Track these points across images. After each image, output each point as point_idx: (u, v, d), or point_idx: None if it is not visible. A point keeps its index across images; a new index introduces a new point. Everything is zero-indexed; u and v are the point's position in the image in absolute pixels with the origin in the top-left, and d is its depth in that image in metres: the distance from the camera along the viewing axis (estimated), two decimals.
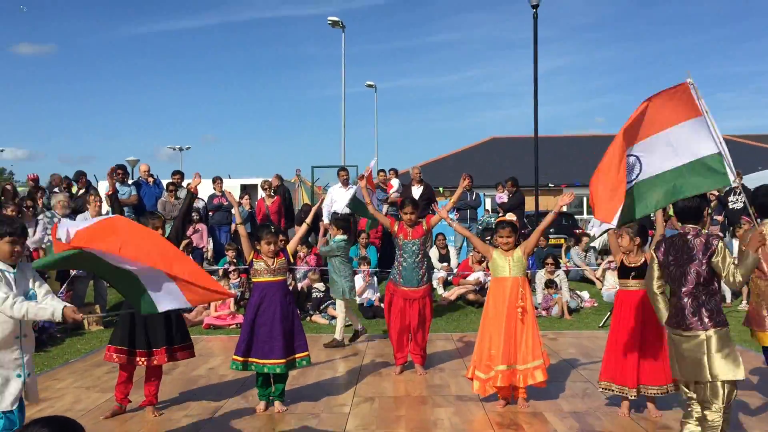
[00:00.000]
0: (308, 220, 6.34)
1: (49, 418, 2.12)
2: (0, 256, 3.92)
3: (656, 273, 4.33)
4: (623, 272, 5.66)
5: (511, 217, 6.18)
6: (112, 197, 6.04)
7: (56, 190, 12.96)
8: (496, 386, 5.71)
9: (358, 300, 11.04)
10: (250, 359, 5.68)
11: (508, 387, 5.75)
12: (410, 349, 7.13)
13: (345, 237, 8.74)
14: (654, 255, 4.36)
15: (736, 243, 11.34)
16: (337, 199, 12.77)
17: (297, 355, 5.79)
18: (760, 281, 5.44)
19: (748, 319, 5.56)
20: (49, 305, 3.85)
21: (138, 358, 5.58)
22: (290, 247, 6.05)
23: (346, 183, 12.98)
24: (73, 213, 10.86)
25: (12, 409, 3.81)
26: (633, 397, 5.48)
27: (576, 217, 23.54)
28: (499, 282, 5.88)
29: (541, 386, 5.81)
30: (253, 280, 5.89)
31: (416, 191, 12.81)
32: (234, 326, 10.08)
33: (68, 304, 3.91)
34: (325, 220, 12.75)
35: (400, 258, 7.02)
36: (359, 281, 11.14)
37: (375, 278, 11.44)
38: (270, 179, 14.45)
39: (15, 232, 3.96)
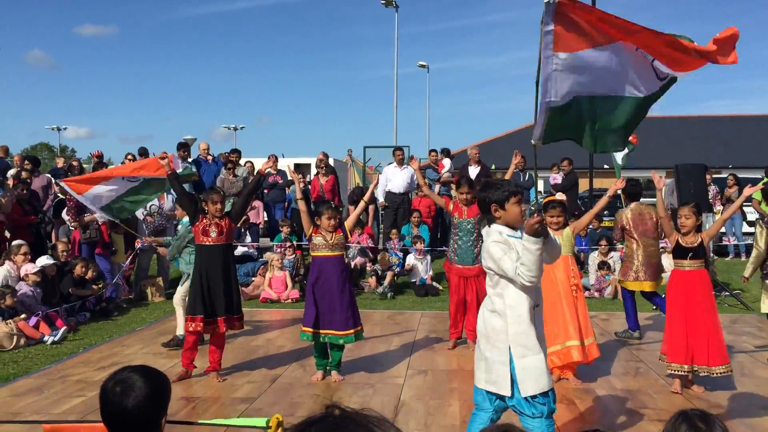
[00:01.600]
0: (366, 197, 6.50)
1: (144, 367, 2.30)
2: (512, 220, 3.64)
3: None
4: (680, 253, 5.65)
5: (561, 196, 6.15)
6: (171, 176, 6.29)
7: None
8: (554, 364, 5.78)
9: (410, 278, 11.21)
10: (321, 331, 5.89)
11: (564, 364, 5.83)
12: (465, 325, 7.26)
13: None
14: None
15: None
16: (392, 179, 12.93)
17: (350, 331, 5.97)
18: (631, 243, 7.42)
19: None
20: None
21: (219, 325, 5.94)
22: (348, 224, 6.22)
23: (401, 162, 13.11)
24: None
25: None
26: (684, 373, 5.51)
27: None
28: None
29: (592, 364, 5.88)
30: (312, 254, 6.09)
31: (473, 171, 12.84)
32: (290, 300, 10.36)
33: None
34: (380, 198, 12.94)
35: (455, 236, 7.14)
36: (411, 260, 11.31)
37: (428, 256, 11.57)
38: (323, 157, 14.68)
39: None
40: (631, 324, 7.70)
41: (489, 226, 3.68)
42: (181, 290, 7.21)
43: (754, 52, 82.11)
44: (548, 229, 4.23)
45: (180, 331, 7.01)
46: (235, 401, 5.45)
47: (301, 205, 6.26)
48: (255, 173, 6.61)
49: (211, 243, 5.95)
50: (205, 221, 5.97)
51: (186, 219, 6.73)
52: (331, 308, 5.88)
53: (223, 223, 5.99)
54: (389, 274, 11.03)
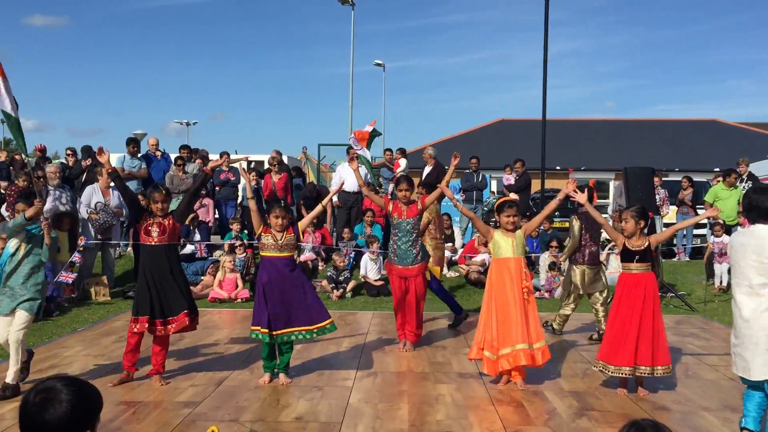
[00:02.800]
0: (324, 202, 6.42)
1: (71, 377, 2.13)
2: None
3: None
4: (626, 256, 5.71)
5: (513, 196, 6.15)
6: (113, 174, 6.04)
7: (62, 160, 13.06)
8: (503, 367, 5.79)
9: (363, 279, 11.13)
10: (275, 332, 5.74)
11: (513, 367, 5.82)
12: (405, 326, 7.22)
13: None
14: None
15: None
16: (346, 177, 12.80)
17: (320, 324, 5.85)
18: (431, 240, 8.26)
19: None
20: None
21: (157, 327, 5.72)
22: (302, 224, 6.10)
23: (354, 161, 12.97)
24: (66, 182, 11.05)
25: None
26: (626, 375, 5.58)
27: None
28: (503, 263, 5.91)
29: (542, 367, 5.90)
30: (262, 254, 5.96)
31: (426, 171, 12.81)
32: (239, 300, 10.18)
33: None
34: (334, 198, 12.80)
35: (395, 237, 7.09)
36: (366, 260, 11.23)
37: (381, 257, 11.51)
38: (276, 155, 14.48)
39: None
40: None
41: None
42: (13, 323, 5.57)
43: (702, 59, 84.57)
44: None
45: (9, 378, 5.51)
46: (178, 405, 5.28)
47: (252, 204, 6.10)
48: (201, 171, 6.40)
49: (154, 243, 5.75)
50: (148, 220, 5.78)
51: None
52: (289, 307, 5.75)
53: (166, 222, 5.80)
54: (352, 283, 10.93)
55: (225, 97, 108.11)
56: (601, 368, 5.71)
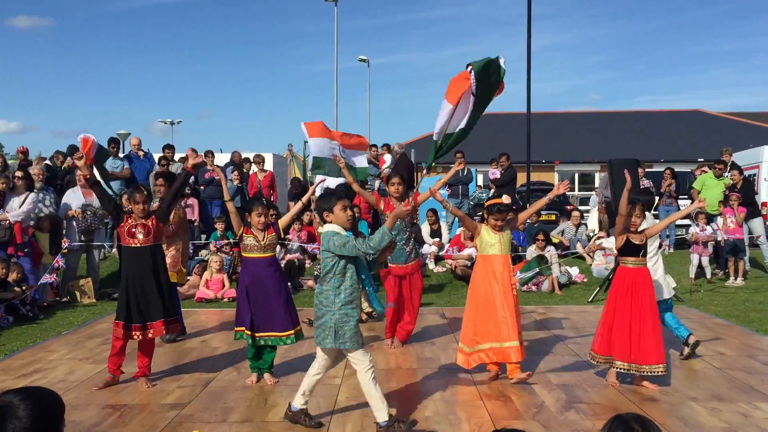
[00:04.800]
0: (305, 199, 6.31)
1: (26, 389, 2.05)
2: None
3: None
4: (629, 250, 5.69)
5: (506, 200, 6.08)
6: (90, 180, 5.87)
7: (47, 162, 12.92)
8: (491, 361, 5.75)
9: None
10: (258, 334, 5.70)
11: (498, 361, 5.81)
12: (394, 324, 7.19)
13: None
14: None
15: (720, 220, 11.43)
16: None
17: (296, 328, 5.83)
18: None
19: None
20: None
21: (133, 332, 5.64)
22: (283, 222, 6.04)
23: None
24: (50, 184, 10.95)
25: None
26: (620, 369, 5.58)
27: (567, 193, 23.60)
28: (489, 259, 5.85)
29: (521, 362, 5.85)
30: (244, 254, 5.88)
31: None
32: (226, 300, 10.13)
33: None
34: (316, 196, 12.75)
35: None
36: None
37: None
38: (262, 154, 14.44)
39: None
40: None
41: None
42: None
43: (684, 49, 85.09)
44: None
45: None
46: (165, 407, 5.24)
47: (230, 206, 5.99)
48: (181, 170, 6.30)
49: (139, 245, 5.68)
50: (130, 222, 5.70)
51: None
52: (268, 310, 5.70)
53: (149, 223, 5.73)
54: None
55: (209, 96, 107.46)
56: (594, 360, 5.75)
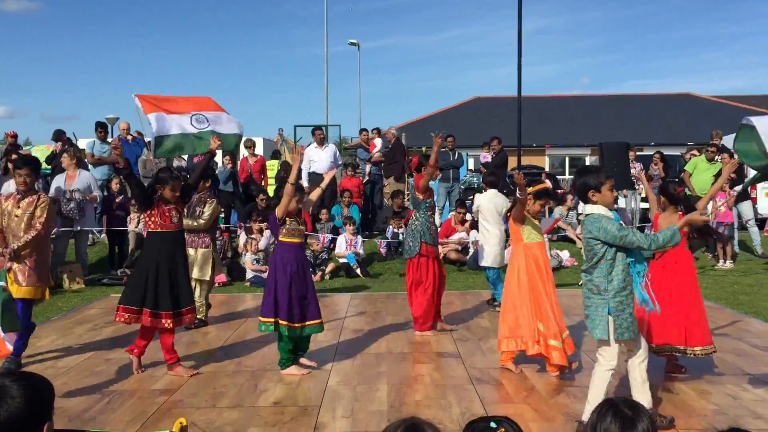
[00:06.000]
0: (291, 179, 6.11)
1: (18, 372, 2.06)
2: None
3: None
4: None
5: (548, 184, 5.95)
6: (123, 171, 5.82)
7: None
8: (536, 352, 5.53)
9: (340, 260, 11.08)
10: (300, 324, 5.58)
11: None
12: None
13: None
14: None
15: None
16: (316, 159, 12.67)
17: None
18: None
19: None
20: None
21: (164, 320, 5.54)
22: (279, 211, 5.76)
23: (321, 142, 12.86)
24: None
25: None
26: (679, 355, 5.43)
27: (558, 177, 23.62)
28: (536, 248, 5.69)
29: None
30: (283, 239, 5.67)
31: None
32: (217, 285, 10.07)
33: None
34: (304, 182, 12.69)
35: (422, 217, 6.98)
36: (342, 240, 11.17)
37: (359, 237, 11.46)
38: (253, 138, 14.34)
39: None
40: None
41: None
42: None
43: (675, 33, 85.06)
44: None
45: None
46: (154, 393, 5.21)
47: (289, 189, 5.58)
48: (206, 152, 6.26)
49: (174, 229, 5.68)
50: (164, 207, 5.63)
51: None
52: (308, 298, 5.62)
53: (179, 207, 5.78)
54: (331, 265, 10.88)
55: (199, 80, 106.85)
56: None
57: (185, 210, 6.41)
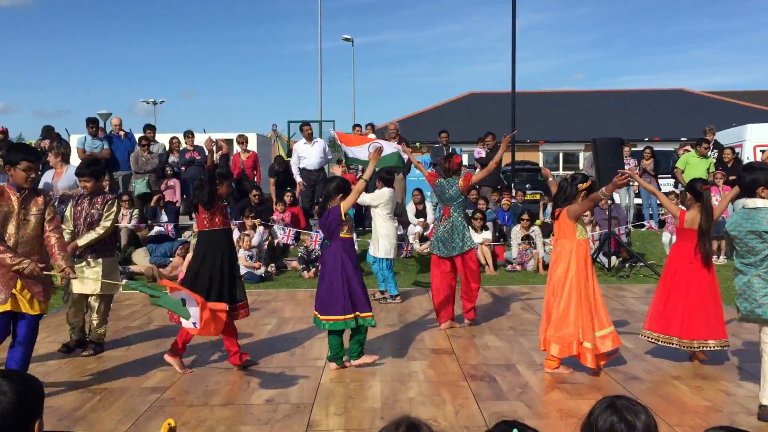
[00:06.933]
0: (366, 176, 5.84)
1: (7, 370, 2.06)
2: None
3: None
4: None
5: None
6: (211, 171, 5.56)
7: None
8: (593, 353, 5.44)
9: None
10: (363, 315, 5.57)
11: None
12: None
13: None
14: None
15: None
16: (306, 155, 12.62)
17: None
18: None
19: None
20: None
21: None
22: (345, 206, 5.64)
23: (310, 138, 12.82)
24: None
25: None
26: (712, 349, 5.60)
27: (552, 173, 23.63)
28: (585, 244, 5.63)
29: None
30: (346, 236, 5.68)
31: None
32: None
33: None
34: (296, 178, 12.65)
35: (462, 214, 7.24)
36: None
37: (354, 234, 11.39)
38: (246, 134, 14.26)
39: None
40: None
41: None
42: None
43: (666, 28, 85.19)
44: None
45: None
46: (146, 391, 5.17)
47: (361, 185, 5.71)
48: (221, 156, 6.18)
49: (227, 227, 5.76)
50: (220, 205, 5.69)
51: None
52: (357, 291, 5.59)
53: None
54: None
55: (193, 76, 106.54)
56: (648, 337, 5.82)
57: (82, 219, 6.06)
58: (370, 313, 5.61)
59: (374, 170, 6.30)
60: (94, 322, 6.23)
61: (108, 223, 6.06)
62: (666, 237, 11.52)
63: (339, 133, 9.04)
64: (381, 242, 8.33)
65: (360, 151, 8.96)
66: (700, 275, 5.58)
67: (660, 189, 13.72)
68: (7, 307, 4.64)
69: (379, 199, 8.39)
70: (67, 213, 6.19)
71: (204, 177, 5.60)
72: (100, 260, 6.08)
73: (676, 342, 5.61)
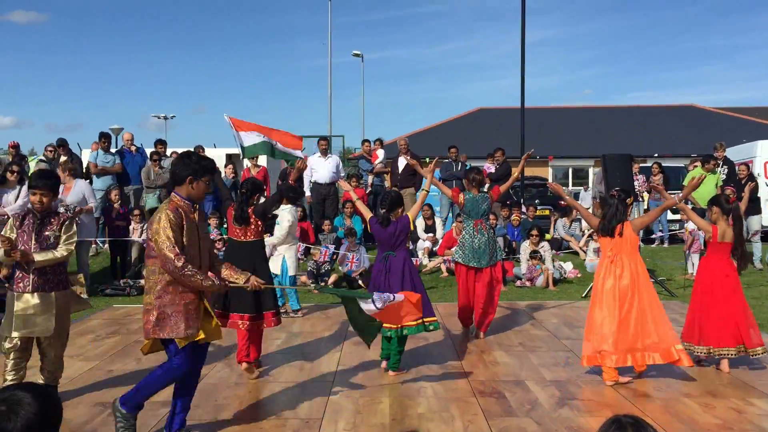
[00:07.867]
0: (426, 186, 6.48)
1: (28, 383, 2.10)
2: None
3: None
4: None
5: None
6: (286, 185, 6.14)
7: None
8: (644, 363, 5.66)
9: (342, 269, 11.06)
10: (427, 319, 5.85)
11: None
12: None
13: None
14: None
15: None
16: (317, 169, 12.70)
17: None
18: None
19: None
20: None
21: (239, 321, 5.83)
22: (412, 215, 6.15)
23: (325, 153, 12.90)
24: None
25: None
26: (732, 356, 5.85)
27: (563, 188, 23.59)
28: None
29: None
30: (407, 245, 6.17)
31: (402, 162, 12.70)
32: None
33: None
34: (307, 191, 12.73)
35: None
36: (342, 251, 11.15)
37: (363, 248, 11.43)
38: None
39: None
40: None
41: None
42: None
43: (676, 45, 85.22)
44: None
45: None
46: (156, 405, 5.17)
47: (424, 196, 6.42)
48: (296, 169, 6.58)
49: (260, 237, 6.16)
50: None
51: None
52: (426, 297, 5.90)
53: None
54: (334, 276, 10.84)
55: (203, 91, 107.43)
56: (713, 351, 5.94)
57: (32, 243, 4.89)
58: (434, 317, 5.96)
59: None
60: (46, 371, 5.13)
61: (72, 247, 5.03)
62: (696, 258, 11.20)
63: (233, 119, 8.26)
64: (291, 260, 8.38)
65: (247, 137, 7.97)
66: (735, 287, 5.90)
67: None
68: None
69: (288, 219, 8.31)
70: (7, 232, 4.90)
71: (281, 189, 6.21)
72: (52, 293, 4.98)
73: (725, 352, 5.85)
